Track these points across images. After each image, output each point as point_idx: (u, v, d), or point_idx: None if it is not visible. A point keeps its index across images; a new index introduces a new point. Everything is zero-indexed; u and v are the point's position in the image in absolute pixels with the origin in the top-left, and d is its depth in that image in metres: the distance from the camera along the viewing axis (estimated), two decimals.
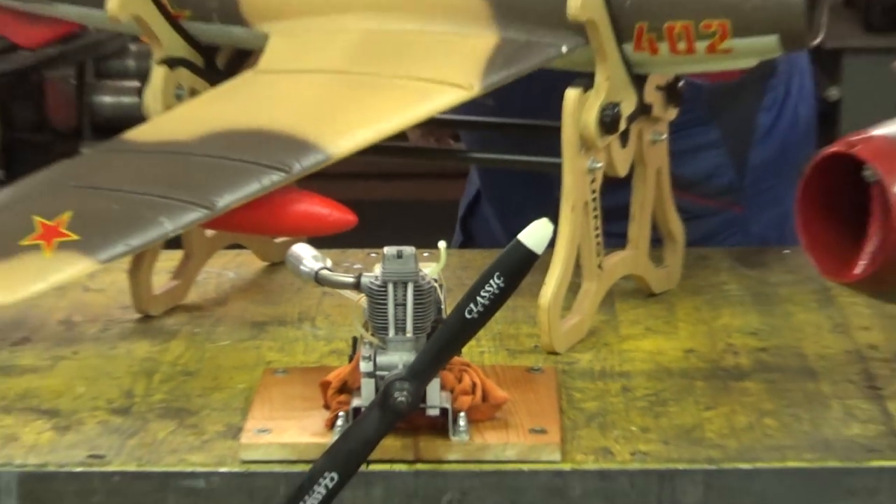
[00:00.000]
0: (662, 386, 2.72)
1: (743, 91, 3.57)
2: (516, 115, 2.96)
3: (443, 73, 2.83)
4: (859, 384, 2.71)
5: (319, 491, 2.27)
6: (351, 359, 2.48)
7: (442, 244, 2.46)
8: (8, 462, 2.46)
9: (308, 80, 2.87)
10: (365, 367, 2.39)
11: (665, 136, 2.99)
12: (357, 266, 2.48)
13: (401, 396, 2.35)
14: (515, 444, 2.48)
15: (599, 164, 2.82)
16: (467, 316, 2.30)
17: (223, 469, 2.46)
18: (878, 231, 2.48)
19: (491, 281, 2.30)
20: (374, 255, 2.45)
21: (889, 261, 2.49)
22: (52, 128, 5.58)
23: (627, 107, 2.82)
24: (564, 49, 2.80)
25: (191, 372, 2.79)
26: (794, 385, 2.72)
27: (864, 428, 2.56)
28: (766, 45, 2.82)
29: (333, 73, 2.87)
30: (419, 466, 2.44)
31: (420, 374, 2.36)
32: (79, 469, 2.48)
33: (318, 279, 2.53)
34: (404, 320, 2.43)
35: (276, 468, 2.44)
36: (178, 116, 2.90)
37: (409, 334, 2.41)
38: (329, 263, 2.53)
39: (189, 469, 2.46)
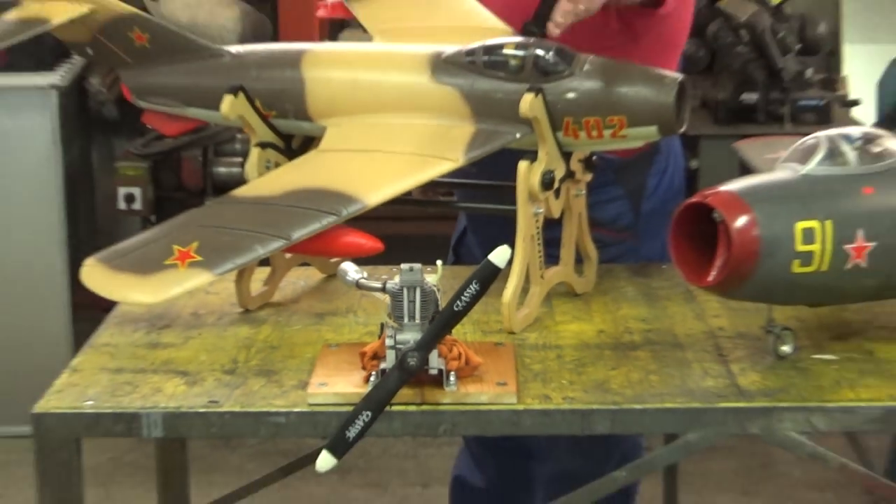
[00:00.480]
0: (582, 354, 2.72)
1: (638, 163, 3.55)
2: (489, 178, 2.95)
3: (440, 151, 2.83)
4: (712, 353, 2.71)
5: (358, 424, 2.28)
6: (379, 337, 2.47)
7: (439, 263, 2.48)
8: (155, 406, 2.47)
9: (351, 156, 2.89)
10: (388, 342, 2.40)
11: (584, 192, 3.00)
12: (384, 277, 2.48)
13: (412, 361, 2.36)
14: (487, 392, 2.49)
15: (541, 210, 2.82)
16: (455, 309, 2.31)
17: (296, 409, 2.49)
18: (723, 253, 2.47)
19: (470, 286, 2.30)
20: (394, 269, 2.45)
21: (730, 272, 2.48)
22: (186, 188, 5.55)
23: (559, 173, 2.82)
24: (518, 135, 2.80)
25: (275, 346, 2.80)
26: (669, 354, 2.74)
27: (715, 381, 2.56)
28: (649, 132, 2.81)
29: (367, 152, 2.88)
30: (424, 407, 2.46)
31: (424, 346, 2.37)
32: (202, 410, 2.49)
33: (358, 285, 2.54)
34: (414, 312, 2.43)
35: (331, 409, 2.46)
36: (266, 180, 2.91)
37: (417, 321, 2.41)
38: (365, 275, 2.54)
39: (274, 409, 2.48)
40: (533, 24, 3.36)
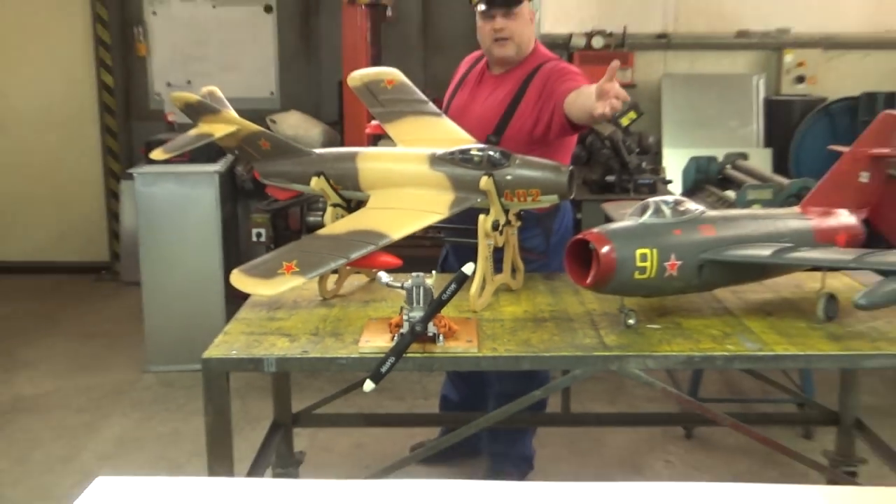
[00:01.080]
0: (515, 324, 2.69)
1: (548, 215, 3.52)
2: (462, 223, 2.91)
3: (434, 208, 2.81)
4: (589, 324, 2.67)
5: (387, 365, 2.27)
6: (399, 314, 2.45)
7: (434, 273, 2.46)
8: (271, 354, 2.46)
9: (384, 211, 2.86)
10: (404, 317, 2.38)
11: (516, 231, 2.95)
12: (403, 280, 2.44)
13: (418, 328, 2.36)
14: (460, 346, 2.49)
15: (492, 242, 2.80)
16: (442, 298, 2.30)
17: (352, 356, 2.47)
18: (595, 267, 2.46)
19: (451, 285, 2.29)
20: (408, 276, 2.42)
21: (598, 278, 2.47)
22: (291, 230, 5.53)
23: (502, 221, 2.80)
24: (479, 200, 2.78)
25: (340, 319, 2.77)
26: (565, 324, 2.72)
27: (591, 340, 2.54)
28: (553, 199, 2.79)
29: (393, 209, 2.85)
30: (424, 354, 2.43)
31: (425, 320, 2.37)
32: (298, 356, 2.47)
33: (388, 285, 2.52)
34: (419, 300, 2.41)
35: (372, 355, 2.43)
36: (336, 225, 2.90)
37: (421, 305, 2.39)
38: (392, 279, 2.52)
39: (339, 356, 2.45)
40: (492, 136, 3.41)
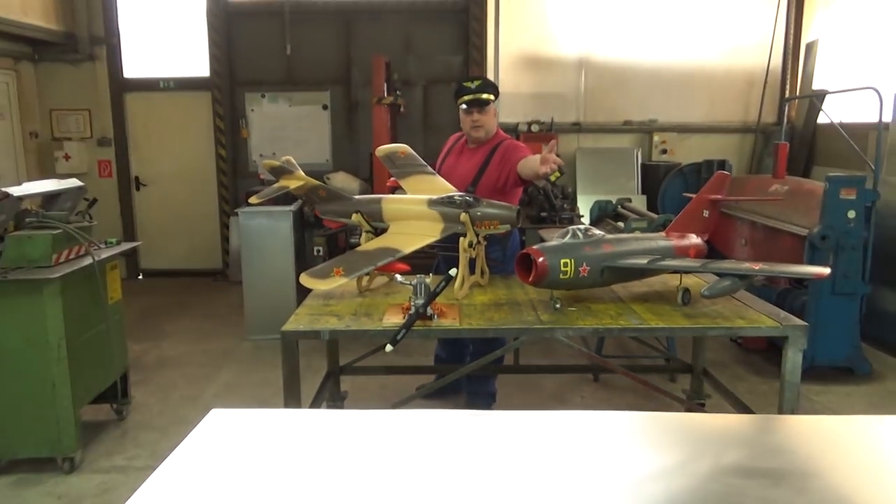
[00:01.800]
0: (483, 308, 2.65)
1: (505, 236, 3.47)
2: (449, 243, 2.87)
3: (430, 233, 2.78)
4: (530, 307, 2.64)
5: (401, 334, 2.23)
6: (409, 301, 2.41)
7: (431, 275, 2.42)
8: (325, 327, 2.42)
9: (399, 235, 2.82)
10: (412, 304, 2.34)
11: (484, 246, 2.92)
12: (412, 279, 2.40)
13: (421, 310, 2.31)
14: (448, 322, 2.45)
15: (468, 254, 2.76)
16: (435, 292, 2.25)
17: (378, 328, 2.44)
18: (534, 271, 2.42)
19: (441, 283, 2.25)
20: (417, 277, 2.38)
21: (536, 278, 2.44)
22: (340, 248, 5.48)
23: (474, 241, 2.77)
24: (460, 228, 2.75)
25: (371, 305, 2.72)
26: (515, 308, 2.67)
27: (532, 318, 2.51)
28: (507, 227, 2.77)
29: (405, 234, 2.81)
30: (425, 327, 2.39)
31: (425, 305, 2.33)
32: (343, 328, 2.43)
33: (401, 283, 2.49)
34: (421, 293, 2.37)
35: (391, 328, 2.39)
36: (368, 244, 2.86)
37: (422, 296, 2.36)
38: (404, 279, 2.49)
39: (370, 328, 2.41)
40: (470, 187, 3.38)
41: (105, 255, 3.45)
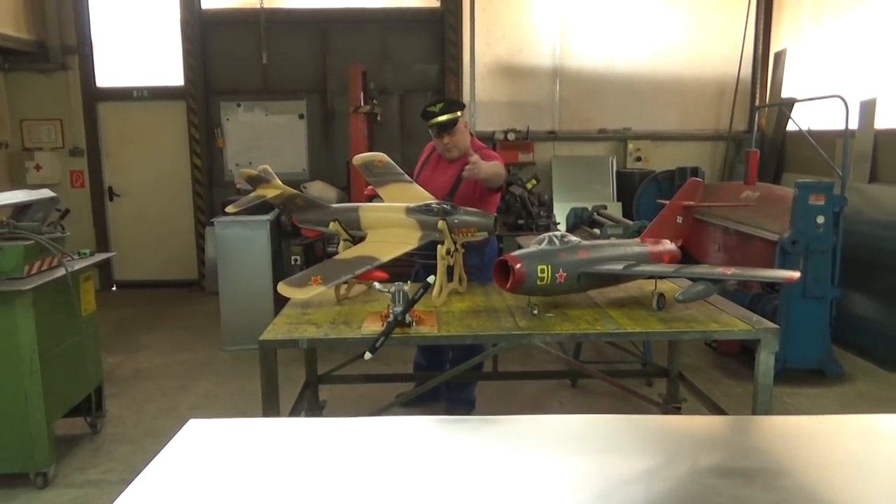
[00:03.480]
0: (461, 315, 2.66)
1: (483, 244, 3.47)
2: (427, 251, 2.88)
3: (408, 241, 2.78)
4: (508, 314, 2.66)
5: (380, 342, 2.22)
6: (387, 308, 2.41)
7: (409, 282, 2.42)
8: (303, 336, 2.40)
9: (377, 243, 2.82)
10: (391, 311, 2.34)
11: (462, 253, 2.92)
12: (390, 287, 2.40)
13: (399, 317, 2.31)
14: (426, 329, 2.46)
15: (445, 262, 2.77)
16: (414, 299, 2.25)
17: (357, 336, 2.42)
18: (511, 278, 2.44)
19: (420, 290, 2.25)
20: (395, 285, 2.38)
21: (514, 285, 2.46)
22: (317, 256, 5.45)
23: (452, 248, 2.77)
24: (437, 236, 2.75)
25: (349, 313, 2.71)
26: (494, 314, 2.69)
27: (510, 324, 2.52)
28: (484, 234, 2.78)
29: (383, 241, 2.80)
30: (403, 334, 2.38)
31: (403, 312, 2.33)
32: (321, 337, 2.41)
33: (379, 291, 2.48)
34: (400, 300, 2.37)
35: (369, 336, 2.38)
36: (346, 252, 2.85)
37: (400, 304, 2.36)
38: (382, 286, 2.48)
39: (348, 336, 2.40)
40: (447, 196, 3.37)
41: (78, 266, 3.40)
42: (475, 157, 3.18)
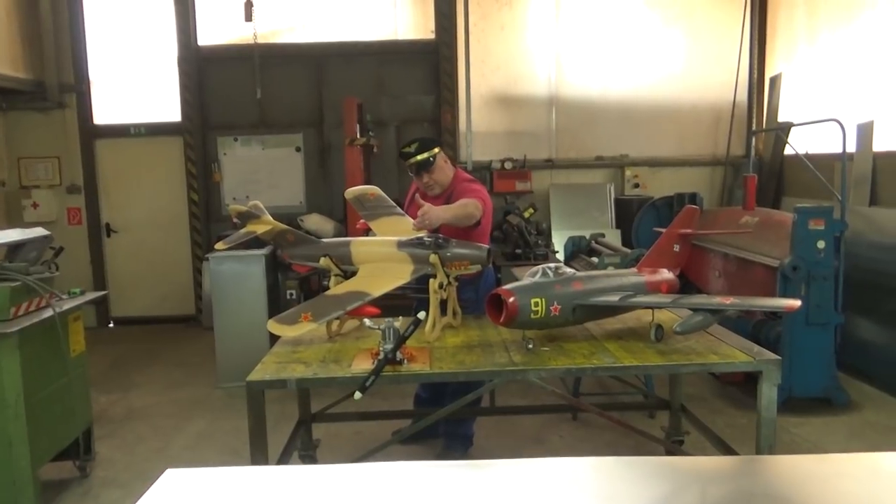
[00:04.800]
0: (455, 350, 2.60)
1: (477, 277, 3.37)
2: (420, 284, 2.82)
3: (400, 275, 2.73)
4: (503, 348, 2.60)
5: (370, 381, 2.16)
6: (378, 346, 2.35)
7: (401, 318, 2.37)
8: (292, 376, 2.34)
9: (369, 278, 2.77)
10: (381, 349, 2.28)
11: (455, 287, 2.87)
12: (380, 323, 2.35)
13: (390, 355, 2.25)
14: (418, 366, 2.39)
15: (438, 295, 2.72)
16: (405, 335, 2.20)
17: (347, 375, 2.37)
18: (505, 312, 2.39)
19: (410, 327, 2.20)
20: (386, 321, 2.33)
21: (507, 319, 2.41)
22: (312, 291, 5.41)
23: (445, 282, 2.73)
24: (430, 269, 2.71)
25: (340, 351, 2.66)
26: (488, 349, 2.63)
27: (504, 359, 2.47)
28: (477, 267, 2.74)
29: (374, 276, 2.76)
30: (394, 373, 2.33)
31: (394, 350, 2.27)
32: (311, 377, 2.36)
33: (370, 327, 2.43)
34: (390, 337, 2.32)
35: (360, 374, 2.32)
36: (337, 288, 2.80)
37: (391, 340, 2.30)
38: (373, 322, 2.43)
39: (338, 375, 2.35)
40: (435, 230, 3.30)
41: (67, 306, 3.35)
42: (425, 208, 3.03)
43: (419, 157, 3.43)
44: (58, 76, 7.09)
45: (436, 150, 3.48)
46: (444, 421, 3.76)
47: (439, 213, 3.10)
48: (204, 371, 5.47)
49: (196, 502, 1.38)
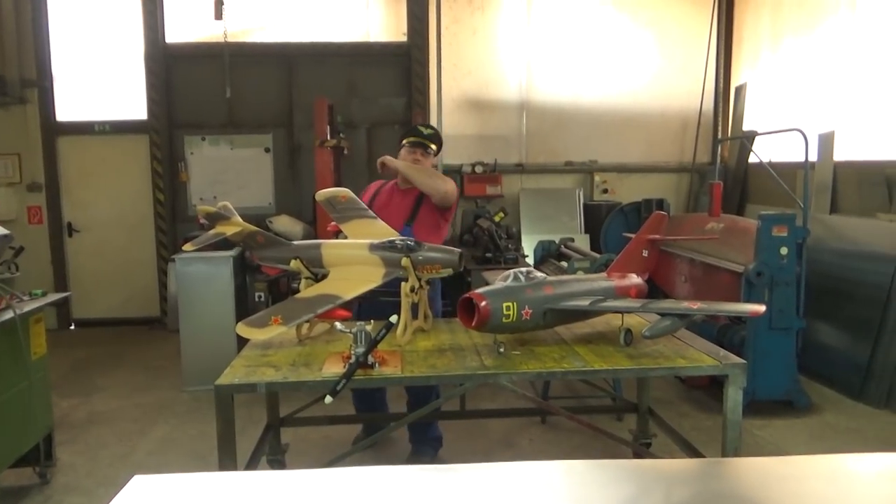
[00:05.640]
0: (426, 353, 2.59)
1: (446, 279, 3.43)
2: (391, 288, 2.81)
3: (371, 278, 2.72)
4: (474, 352, 2.59)
5: (341, 385, 2.15)
6: (349, 349, 2.34)
7: (373, 321, 2.36)
8: (262, 380, 2.31)
9: (339, 281, 2.75)
10: (353, 352, 2.26)
11: (426, 290, 2.86)
12: (353, 328, 2.33)
13: (361, 359, 2.23)
14: (390, 370, 2.38)
15: (409, 299, 2.72)
16: (377, 339, 2.19)
17: (317, 379, 2.33)
18: (476, 315, 2.39)
19: (382, 330, 2.19)
20: (357, 324, 2.32)
21: (479, 323, 2.41)
22: (281, 293, 5.35)
23: (416, 286, 2.72)
24: (401, 272, 2.70)
25: (310, 354, 2.62)
26: (459, 353, 2.61)
27: (476, 363, 2.46)
28: (449, 271, 2.74)
29: (345, 279, 2.74)
30: (366, 376, 2.30)
31: (366, 353, 2.25)
32: (280, 381, 2.33)
33: (340, 331, 2.41)
34: (362, 340, 2.30)
35: (330, 378, 2.29)
36: (307, 291, 2.77)
37: (363, 344, 2.29)
38: (344, 326, 2.42)
39: (308, 379, 2.32)
40: (406, 224, 3.52)
41: (28, 308, 3.27)
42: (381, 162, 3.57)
43: (430, 143, 3.70)
44: (19, 70, 6.91)
45: (438, 148, 3.79)
46: (409, 428, 3.77)
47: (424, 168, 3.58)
48: (169, 374, 5.38)
49: None
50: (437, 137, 3.73)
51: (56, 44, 7.09)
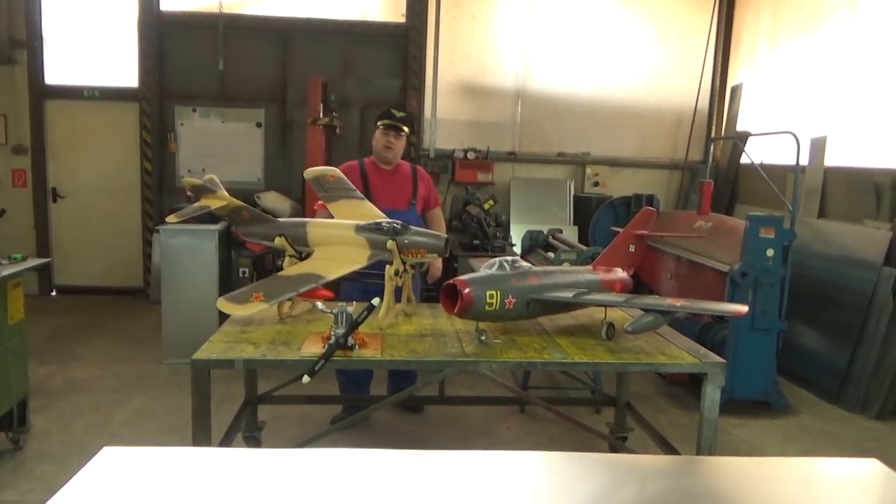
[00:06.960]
0: (407, 338, 2.58)
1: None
2: (376, 270, 2.79)
3: (356, 259, 2.70)
4: (454, 338, 2.59)
5: (319, 365, 2.13)
6: (329, 330, 2.32)
7: (354, 303, 2.35)
8: (240, 356, 2.29)
9: (324, 261, 2.73)
10: (333, 333, 2.25)
11: (410, 275, 2.85)
12: (335, 308, 2.32)
13: (341, 340, 2.22)
14: (369, 353, 2.36)
15: (394, 283, 2.70)
16: (358, 320, 2.18)
17: (296, 358, 2.32)
18: (459, 302, 2.38)
19: (364, 312, 2.17)
20: (339, 305, 2.30)
21: (462, 309, 2.40)
22: (266, 271, 5.31)
23: (401, 269, 2.70)
24: (386, 255, 2.68)
25: (290, 333, 2.60)
26: (440, 339, 2.61)
27: (456, 349, 2.46)
28: (434, 256, 2.72)
29: (329, 259, 2.72)
30: (345, 358, 2.29)
31: (346, 334, 2.24)
32: (259, 358, 2.31)
33: (321, 311, 2.39)
34: (343, 321, 2.28)
35: (309, 358, 2.28)
36: (291, 269, 2.75)
37: (343, 325, 2.27)
38: (325, 306, 2.40)
39: (287, 358, 2.30)
40: (413, 199, 3.88)
41: (7, 272, 3.22)
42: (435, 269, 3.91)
43: (402, 125, 3.88)
44: (8, 30, 6.79)
45: (410, 131, 3.99)
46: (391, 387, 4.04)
47: (438, 264, 3.89)
48: (149, 346, 5.34)
49: (132, 482, 1.34)
50: (408, 120, 3.96)
51: (47, 4, 6.95)
